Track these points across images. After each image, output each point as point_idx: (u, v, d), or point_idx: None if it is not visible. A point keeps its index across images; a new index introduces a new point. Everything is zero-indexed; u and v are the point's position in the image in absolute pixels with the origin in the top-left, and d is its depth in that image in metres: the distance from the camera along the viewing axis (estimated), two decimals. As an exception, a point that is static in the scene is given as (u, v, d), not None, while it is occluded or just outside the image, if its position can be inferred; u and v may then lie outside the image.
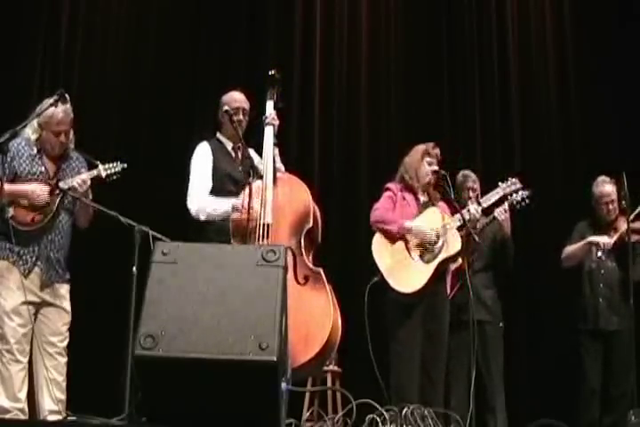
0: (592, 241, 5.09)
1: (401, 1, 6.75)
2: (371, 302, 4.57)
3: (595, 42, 6.34)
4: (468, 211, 4.64)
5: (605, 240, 5.06)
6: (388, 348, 4.49)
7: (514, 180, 4.86)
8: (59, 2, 6.40)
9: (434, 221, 4.55)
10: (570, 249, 5.18)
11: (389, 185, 4.75)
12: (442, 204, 4.69)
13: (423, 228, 4.51)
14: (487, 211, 4.86)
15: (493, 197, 4.78)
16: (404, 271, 4.45)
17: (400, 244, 4.54)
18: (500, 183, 4.84)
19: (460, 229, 4.57)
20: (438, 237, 4.49)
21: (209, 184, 4.32)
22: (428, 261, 4.47)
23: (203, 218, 4.25)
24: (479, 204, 4.72)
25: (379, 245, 4.55)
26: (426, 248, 4.49)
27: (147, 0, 6.64)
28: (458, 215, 4.60)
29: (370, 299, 4.58)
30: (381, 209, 4.64)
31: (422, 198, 4.73)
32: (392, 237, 4.55)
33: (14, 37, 6.24)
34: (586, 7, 6.49)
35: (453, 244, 4.47)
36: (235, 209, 4.09)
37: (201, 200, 4.27)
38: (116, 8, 6.55)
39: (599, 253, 5.07)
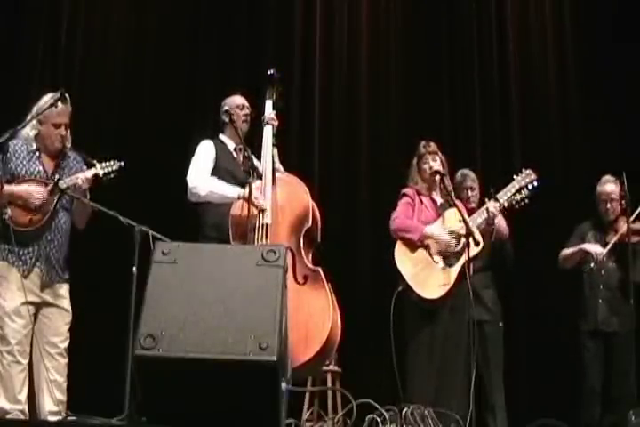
0: (584, 249, 5.08)
1: (401, 1, 6.75)
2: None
3: (595, 42, 6.33)
4: (487, 209, 4.61)
5: (598, 250, 5.03)
6: (405, 349, 4.48)
7: (528, 171, 4.76)
8: (59, 2, 6.41)
9: (453, 222, 4.54)
10: (565, 253, 5.17)
11: (406, 190, 4.74)
12: (460, 203, 4.67)
13: (443, 236, 4.50)
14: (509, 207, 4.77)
15: (510, 191, 4.69)
16: (428, 278, 4.45)
17: (421, 250, 4.53)
18: (514, 176, 4.75)
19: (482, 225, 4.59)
20: (460, 239, 4.48)
21: (210, 168, 4.35)
22: (451, 265, 4.47)
23: (202, 194, 4.27)
24: (496, 200, 4.64)
25: (401, 253, 4.54)
26: (447, 255, 4.49)
27: (146, 0, 6.65)
28: (476, 215, 4.60)
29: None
30: (401, 217, 4.63)
31: (439, 200, 4.73)
32: (413, 245, 4.54)
33: (14, 37, 6.24)
34: (586, 6, 6.49)
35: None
36: (240, 198, 4.09)
37: (204, 178, 4.30)
38: (116, 8, 6.56)
39: (592, 265, 5.04)
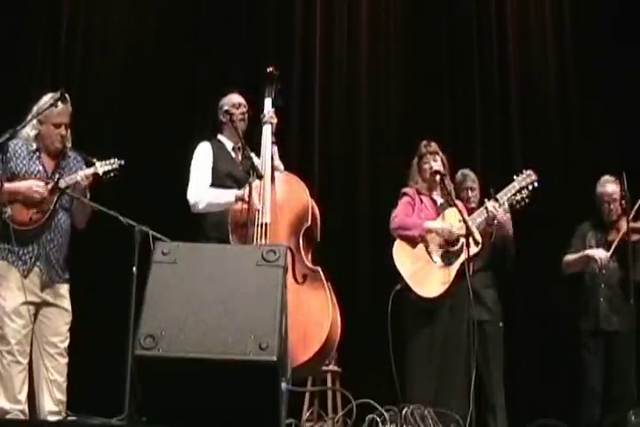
0: (589, 255, 5.06)
1: (401, 1, 6.75)
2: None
3: (595, 42, 6.33)
4: (487, 209, 4.62)
5: (602, 255, 5.00)
6: (404, 349, 4.48)
7: (529, 172, 4.74)
8: (59, 2, 6.41)
9: (453, 222, 4.53)
10: (569, 259, 5.15)
11: (406, 190, 4.73)
12: (460, 203, 4.67)
13: (444, 226, 4.50)
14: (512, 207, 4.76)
15: (510, 191, 4.68)
16: (426, 276, 4.44)
17: (421, 248, 4.53)
18: (515, 177, 4.74)
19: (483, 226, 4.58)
20: (459, 239, 4.47)
21: (209, 179, 4.34)
22: (449, 263, 4.47)
23: (201, 207, 4.26)
24: (496, 200, 4.64)
25: (399, 251, 4.53)
26: (448, 248, 4.48)
27: (146, 0, 6.65)
28: (476, 214, 4.60)
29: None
30: (400, 215, 4.63)
31: (439, 200, 4.73)
32: (412, 243, 4.54)
33: (14, 37, 6.25)
34: (586, 6, 6.49)
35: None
36: (238, 199, 4.09)
37: (200, 191, 4.29)
38: (116, 8, 6.56)
39: (596, 270, 5.02)
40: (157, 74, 6.42)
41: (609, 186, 5.14)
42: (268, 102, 4.41)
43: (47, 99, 4.04)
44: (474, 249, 4.38)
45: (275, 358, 2.52)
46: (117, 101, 6.35)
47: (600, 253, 5.02)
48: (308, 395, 5.23)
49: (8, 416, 3.80)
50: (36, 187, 3.96)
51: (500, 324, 5.06)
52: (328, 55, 6.55)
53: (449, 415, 4.06)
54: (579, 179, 6.02)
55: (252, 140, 4.37)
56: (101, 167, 4.10)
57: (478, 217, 4.62)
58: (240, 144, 4.37)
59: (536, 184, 4.74)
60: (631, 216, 4.92)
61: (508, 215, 4.82)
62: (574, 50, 6.49)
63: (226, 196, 4.20)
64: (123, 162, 4.15)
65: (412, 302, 4.45)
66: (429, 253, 4.52)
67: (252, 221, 3.99)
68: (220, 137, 4.54)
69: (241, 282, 2.68)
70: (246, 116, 4.47)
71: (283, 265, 2.74)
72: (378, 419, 3.67)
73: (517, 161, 6.13)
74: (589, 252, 5.07)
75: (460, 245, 4.47)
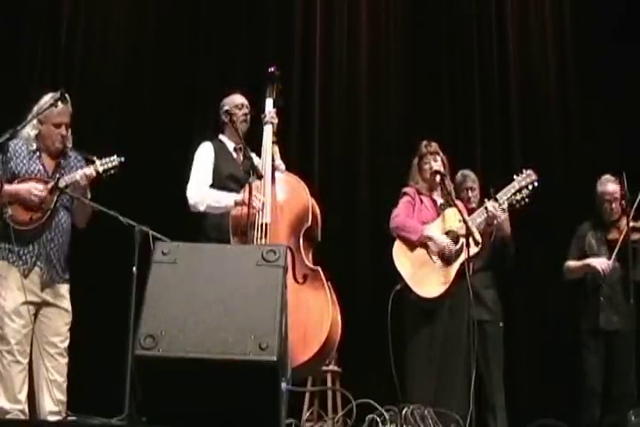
0: (590, 265, 5.04)
1: (401, 1, 6.75)
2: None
3: (595, 42, 6.33)
4: (486, 209, 4.61)
5: (604, 265, 4.97)
6: (404, 349, 4.48)
7: (529, 171, 4.72)
8: (59, 2, 6.41)
9: (453, 222, 4.53)
10: (570, 266, 5.14)
11: (406, 189, 4.74)
12: (460, 203, 4.67)
13: (441, 240, 4.49)
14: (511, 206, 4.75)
15: (510, 191, 4.67)
16: (426, 276, 4.45)
17: (420, 249, 4.52)
18: (515, 177, 4.73)
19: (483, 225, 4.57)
20: (459, 239, 4.47)
21: (209, 179, 4.34)
22: (449, 263, 4.46)
23: (202, 209, 4.26)
24: (496, 200, 4.62)
25: (399, 251, 4.53)
26: (445, 257, 4.49)
27: (146, 0, 6.65)
28: (476, 214, 4.60)
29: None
30: (401, 215, 4.63)
31: (439, 200, 4.73)
32: (412, 244, 4.54)
33: (14, 37, 6.25)
34: (586, 6, 6.49)
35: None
36: (237, 204, 4.10)
37: (201, 191, 4.29)
38: (116, 8, 6.56)
39: (601, 279, 5.01)
40: (157, 74, 6.42)
41: (610, 185, 5.14)
42: (269, 102, 4.42)
43: (47, 99, 4.04)
44: (474, 249, 4.38)
45: (275, 358, 2.52)
46: (117, 101, 6.35)
47: (602, 264, 4.99)
48: (308, 395, 5.23)
49: (8, 416, 3.80)
50: (34, 190, 3.95)
51: (500, 324, 5.07)
52: (328, 55, 6.55)
53: (449, 415, 4.06)
54: (579, 179, 6.02)
55: (252, 140, 4.37)
56: (101, 165, 4.09)
57: (478, 217, 4.62)
58: (241, 145, 4.38)
59: (536, 184, 4.73)
60: (631, 216, 4.91)
61: (506, 215, 4.81)
62: (574, 50, 6.49)
63: (226, 199, 4.21)
64: (123, 159, 4.15)
65: (412, 302, 4.45)
66: (429, 254, 4.52)
67: (252, 222, 4.00)
68: (221, 137, 4.54)
69: (241, 282, 2.68)
70: (248, 117, 4.47)
71: (283, 265, 2.74)
72: (378, 419, 3.67)
73: (517, 161, 6.13)
74: (591, 262, 5.05)
75: (460, 245, 4.47)
